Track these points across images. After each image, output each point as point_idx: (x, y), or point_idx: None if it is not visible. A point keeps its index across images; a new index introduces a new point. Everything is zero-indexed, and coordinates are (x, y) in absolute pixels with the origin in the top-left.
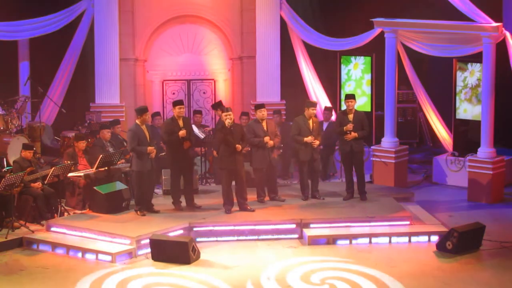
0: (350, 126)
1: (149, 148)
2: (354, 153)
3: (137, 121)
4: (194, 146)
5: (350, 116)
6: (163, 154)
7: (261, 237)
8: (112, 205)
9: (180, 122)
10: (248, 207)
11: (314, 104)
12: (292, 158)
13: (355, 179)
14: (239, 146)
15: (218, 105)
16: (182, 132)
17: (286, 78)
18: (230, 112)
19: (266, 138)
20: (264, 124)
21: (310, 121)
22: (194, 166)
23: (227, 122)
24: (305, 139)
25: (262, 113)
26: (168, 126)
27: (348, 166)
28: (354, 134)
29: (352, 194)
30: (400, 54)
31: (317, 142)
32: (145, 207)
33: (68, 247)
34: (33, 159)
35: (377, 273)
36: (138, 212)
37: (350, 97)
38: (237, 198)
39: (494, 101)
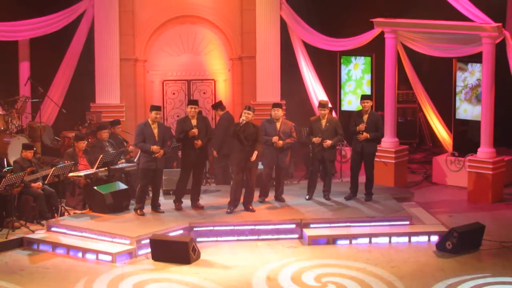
0: (362, 126)
1: (153, 147)
2: (364, 154)
3: (149, 119)
4: (206, 145)
5: (365, 117)
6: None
7: (261, 237)
8: (112, 205)
9: (194, 121)
10: (250, 207)
11: (321, 105)
12: (292, 158)
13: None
14: (254, 155)
15: (218, 105)
16: (192, 131)
17: (286, 78)
18: (250, 112)
19: (274, 138)
20: (278, 123)
21: (324, 121)
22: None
23: (241, 119)
24: (313, 139)
25: (275, 112)
26: (179, 124)
27: (356, 166)
28: (366, 135)
29: (355, 193)
30: (400, 54)
31: (328, 142)
32: (152, 206)
33: (68, 247)
34: (34, 159)
35: (378, 271)
36: (138, 211)
37: (366, 97)
38: (244, 197)
39: (494, 101)
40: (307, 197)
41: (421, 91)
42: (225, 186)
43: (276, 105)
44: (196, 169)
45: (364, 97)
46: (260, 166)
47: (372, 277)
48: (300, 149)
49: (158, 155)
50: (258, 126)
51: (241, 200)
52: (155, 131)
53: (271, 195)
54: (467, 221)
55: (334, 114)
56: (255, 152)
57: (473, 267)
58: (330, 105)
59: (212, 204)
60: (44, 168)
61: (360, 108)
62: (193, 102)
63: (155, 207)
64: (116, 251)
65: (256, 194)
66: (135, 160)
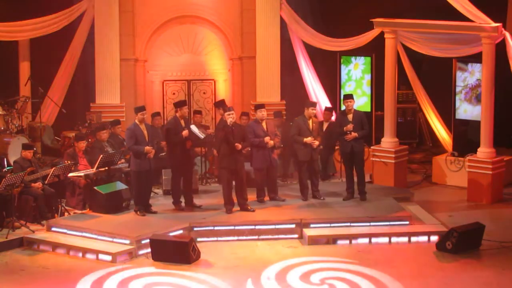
0: (350, 127)
1: (147, 148)
2: (354, 153)
3: (136, 120)
4: (194, 146)
5: (350, 116)
6: (163, 154)
7: (261, 237)
8: (112, 205)
9: (182, 122)
10: (249, 207)
11: (313, 104)
12: (292, 158)
13: (355, 179)
14: (238, 145)
15: (220, 104)
16: (185, 132)
17: (286, 78)
18: (232, 112)
19: (266, 138)
20: (264, 124)
21: (310, 121)
22: (194, 166)
23: (229, 121)
24: (305, 139)
25: (262, 113)
26: (173, 126)
27: (349, 166)
28: (354, 134)
29: (352, 194)
30: (400, 54)
31: (317, 143)
32: (143, 207)
33: (69, 247)
34: (34, 159)
35: (376, 273)
36: (138, 212)
37: (349, 97)
38: (238, 198)
39: (494, 101)
40: (303, 199)
41: (421, 91)
42: None
43: (260, 106)
44: (186, 169)
45: (347, 97)
46: (249, 167)
47: (372, 277)
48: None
49: (151, 155)
50: (242, 125)
51: (236, 201)
52: (145, 132)
53: (270, 196)
54: (467, 221)
55: (334, 114)
56: (238, 145)
57: (473, 267)
58: (330, 105)
59: (212, 204)
60: (44, 168)
61: (360, 108)
62: (186, 103)
63: (147, 208)
64: (116, 251)
65: (253, 196)
66: None
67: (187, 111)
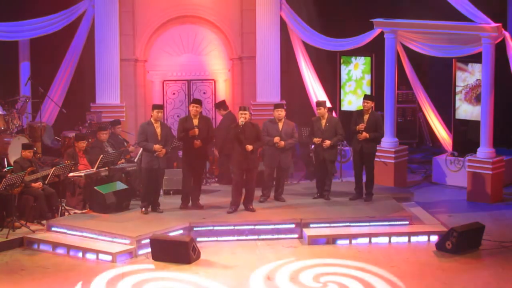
0: (361, 126)
1: (156, 146)
2: (364, 154)
3: (151, 118)
4: (207, 146)
5: (366, 117)
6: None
7: (261, 237)
8: (112, 205)
9: (195, 121)
10: (251, 207)
11: (318, 104)
12: (292, 158)
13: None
14: (249, 147)
15: (220, 105)
16: (192, 131)
17: (286, 78)
18: (246, 112)
19: (276, 138)
20: (280, 124)
21: (323, 121)
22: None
23: (240, 121)
24: (314, 139)
25: (278, 112)
26: (180, 123)
27: (357, 166)
28: (365, 135)
29: (360, 194)
30: (400, 54)
31: (327, 143)
32: (151, 205)
33: (69, 247)
34: (34, 159)
35: (376, 274)
36: (143, 209)
37: (367, 97)
38: (245, 197)
39: (494, 101)
40: (316, 195)
41: (420, 91)
42: (226, 186)
43: (278, 106)
44: (196, 169)
45: (365, 97)
46: (261, 167)
47: (372, 277)
48: (300, 149)
49: (160, 154)
50: (256, 124)
51: (241, 200)
52: (158, 130)
53: (271, 195)
54: (467, 221)
55: (334, 114)
56: (249, 146)
57: (473, 267)
58: (330, 105)
59: (212, 204)
60: (44, 168)
61: (361, 107)
62: (195, 101)
63: (155, 206)
64: (116, 251)
65: (257, 194)
66: (136, 160)
67: (193, 109)
